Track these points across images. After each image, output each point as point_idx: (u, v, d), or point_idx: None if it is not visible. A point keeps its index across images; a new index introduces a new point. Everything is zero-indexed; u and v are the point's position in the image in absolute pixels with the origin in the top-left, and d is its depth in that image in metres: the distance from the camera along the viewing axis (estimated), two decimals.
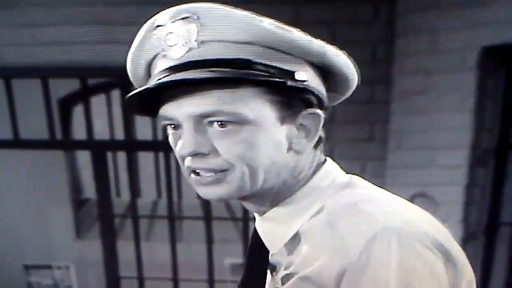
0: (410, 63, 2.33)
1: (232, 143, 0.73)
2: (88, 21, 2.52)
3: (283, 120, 0.76)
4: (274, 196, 0.82)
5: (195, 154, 0.74)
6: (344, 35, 2.33)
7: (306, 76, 0.76)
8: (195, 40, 0.73)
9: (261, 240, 0.85)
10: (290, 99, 0.76)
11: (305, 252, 0.79)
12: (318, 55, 0.77)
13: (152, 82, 0.75)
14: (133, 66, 0.81)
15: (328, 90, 0.82)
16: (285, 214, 0.83)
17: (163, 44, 0.75)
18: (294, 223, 0.82)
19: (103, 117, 2.74)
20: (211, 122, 0.73)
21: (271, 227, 0.84)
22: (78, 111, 2.67)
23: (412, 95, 2.37)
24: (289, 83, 0.74)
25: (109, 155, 2.72)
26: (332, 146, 2.53)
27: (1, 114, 2.67)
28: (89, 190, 2.83)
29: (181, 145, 0.74)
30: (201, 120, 0.73)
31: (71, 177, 2.80)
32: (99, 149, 2.66)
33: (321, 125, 0.80)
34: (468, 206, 2.48)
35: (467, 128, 2.36)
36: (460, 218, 2.49)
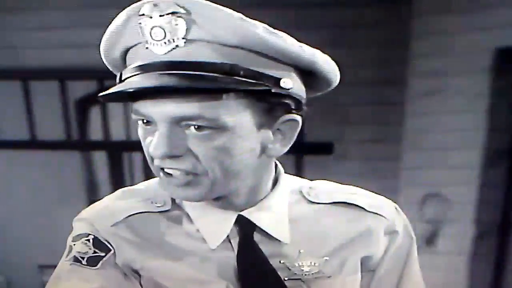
0: (425, 65, 2.36)
1: (207, 148, 0.71)
2: (105, 23, 2.54)
3: (260, 126, 0.74)
4: (248, 195, 0.80)
5: (168, 156, 0.71)
6: (359, 37, 2.36)
7: (291, 83, 0.73)
8: (183, 38, 0.69)
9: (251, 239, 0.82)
10: (272, 105, 0.73)
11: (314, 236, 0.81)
12: (308, 63, 0.75)
13: (129, 76, 0.71)
14: (108, 47, 0.76)
15: (306, 87, 0.79)
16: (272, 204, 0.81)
17: (148, 36, 0.70)
18: (280, 209, 0.82)
19: (119, 118, 2.76)
20: (188, 125, 0.70)
21: (266, 214, 0.81)
22: (95, 112, 2.69)
23: (426, 96, 2.39)
24: (274, 90, 0.72)
25: (125, 155, 2.74)
26: (346, 147, 2.55)
27: (19, 115, 2.70)
28: (105, 190, 2.85)
29: (153, 145, 0.71)
30: (178, 122, 0.70)
31: (87, 178, 2.82)
32: (115, 150, 2.69)
33: (298, 130, 0.77)
34: (481, 205, 2.49)
35: (480, 128, 2.37)
36: (473, 217, 2.51)
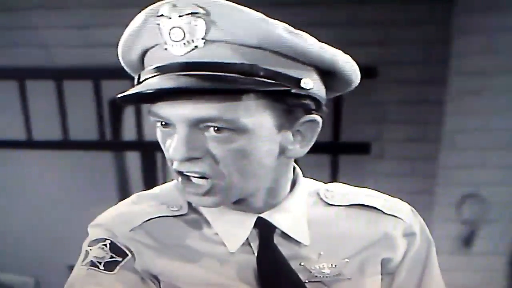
0: (466, 63, 2.33)
1: (226, 150, 0.70)
2: None
3: (280, 127, 0.73)
4: (267, 197, 0.79)
5: (187, 159, 0.70)
6: (400, 35, 2.33)
7: (312, 83, 0.72)
8: (202, 38, 0.67)
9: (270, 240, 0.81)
10: (291, 106, 0.72)
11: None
12: (329, 64, 0.73)
13: (147, 77, 0.70)
14: (126, 49, 0.75)
15: (326, 87, 0.78)
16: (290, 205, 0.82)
17: (166, 37, 0.68)
18: (299, 212, 0.82)
19: None
20: (207, 127, 0.69)
21: (285, 216, 0.81)
22: (128, 112, 2.67)
23: (467, 95, 2.36)
24: (294, 91, 0.71)
25: (158, 156, 2.72)
26: (383, 146, 2.52)
27: (51, 115, 2.68)
28: (137, 191, 2.80)
29: (173, 148, 0.69)
30: (197, 124, 0.69)
31: (119, 178, 2.80)
32: (149, 150, 2.67)
33: (318, 131, 0.77)
34: None
35: None
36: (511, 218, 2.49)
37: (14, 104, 2.69)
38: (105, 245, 0.78)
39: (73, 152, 2.74)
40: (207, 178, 0.72)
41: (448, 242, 2.52)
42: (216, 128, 0.69)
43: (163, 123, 0.72)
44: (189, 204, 0.82)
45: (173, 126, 0.70)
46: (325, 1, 2.26)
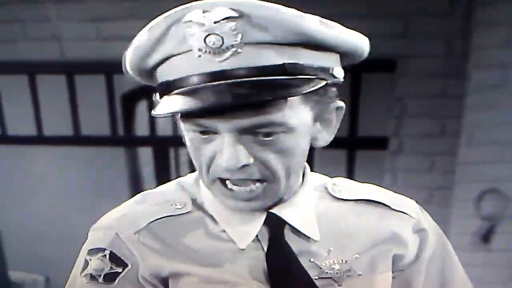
0: (487, 57, 2.30)
1: (274, 152, 0.70)
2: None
3: (315, 119, 0.73)
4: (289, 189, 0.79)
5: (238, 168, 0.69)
6: (419, 28, 2.30)
7: (342, 71, 0.73)
8: (241, 42, 0.65)
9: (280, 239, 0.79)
10: (321, 95, 0.72)
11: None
12: (360, 53, 0.74)
13: (187, 87, 0.67)
14: (143, 55, 0.72)
15: None
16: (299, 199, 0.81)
17: (201, 44, 0.66)
18: (308, 207, 0.81)
19: None
20: (257, 132, 0.68)
21: (295, 211, 0.80)
22: (141, 107, 2.63)
23: (488, 89, 2.34)
24: (329, 81, 0.71)
25: (171, 151, 2.68)
26: (402, 141, 2.50)
27: (63, 109, 2.64)
28: (150, 187, 2.78)
29: (226, 158, 0.68)
30: (247, 131, 0.68)
31: (132, 173, 2.76)
32: (161, 146, 2.63)
33: (342, 117, 0.77)
34: None
35: None
36: None
37: (24, 99, 2.65)
38: (105, 255, 0.77)
39: (84, 148, 2.72)
40: (261, 182, 0.71)
41: (467, 238, 2.49)
42: (265, 132, 0.68)
43: (204, 131, 0.70)
44: (193, 201, 0.81)
45: (213, 133, 0.69)
46: None
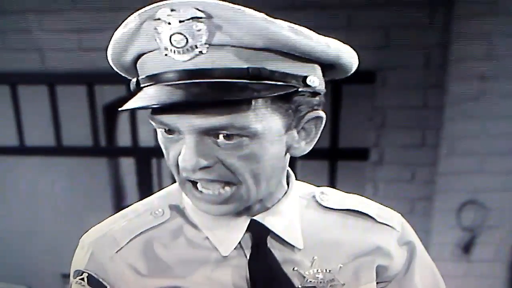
0: (465, 69, 2.31)
1: (238, 157, 0.69)
2: None
3: (288, 127, 0.72)
4: (265, 199, 0.78)
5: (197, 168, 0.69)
6: (399, 40, 2.30)
7: (317, 80, 0.71)
8: (205, 43, 0.65)
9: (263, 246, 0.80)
10: (298, 105, 0.71)
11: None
12: (334, 60, 0.72)
13: (149, 84, 0.68)
14: (120, 50, 0.72)
15: (324, 77, 0.77)
16: (284, 208, 0.80)
17: (167, 43, 0.66)
18: (292, 215, 0.80)
19: (148, 123, 2.68)
20: (217, 134, 0.68)
21: (279, 219, 0.79)
22: (123, 118, 2.63)
23: (467, 100, 2.35)
24: (301, 89, 0.70)
25: (153, 162, 2.68)
26: (383, 151, 2.50)
27: (44, 120, 2.63)
28: (132, 197, 2.81)
29: (182, 158, 0.68)
30: (207, 132, 0.68)
31: (114, 184, 2.76)
32: (144, 156, 2.63)
33: (322, 127, 0.76)
34: None
35: None
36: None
37: (6, 110, 2.64)
38: (83, 279, 0.77)
39: (66, 159, 2.71)
40: (230, 186, 0.71)
41: (448, 248, 2.50)
42: (226, 135, 0.68)
43: (167, 129, 0.70)
44: (174, 207, 0.81)
45: (179, 133, 0.69)
46: (324, 6, 2.23)
